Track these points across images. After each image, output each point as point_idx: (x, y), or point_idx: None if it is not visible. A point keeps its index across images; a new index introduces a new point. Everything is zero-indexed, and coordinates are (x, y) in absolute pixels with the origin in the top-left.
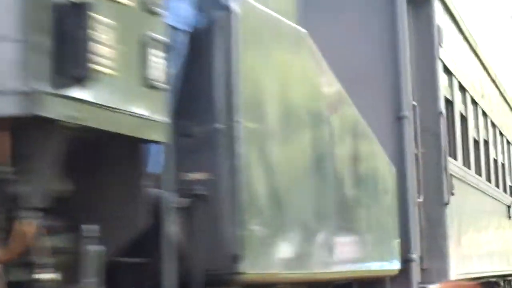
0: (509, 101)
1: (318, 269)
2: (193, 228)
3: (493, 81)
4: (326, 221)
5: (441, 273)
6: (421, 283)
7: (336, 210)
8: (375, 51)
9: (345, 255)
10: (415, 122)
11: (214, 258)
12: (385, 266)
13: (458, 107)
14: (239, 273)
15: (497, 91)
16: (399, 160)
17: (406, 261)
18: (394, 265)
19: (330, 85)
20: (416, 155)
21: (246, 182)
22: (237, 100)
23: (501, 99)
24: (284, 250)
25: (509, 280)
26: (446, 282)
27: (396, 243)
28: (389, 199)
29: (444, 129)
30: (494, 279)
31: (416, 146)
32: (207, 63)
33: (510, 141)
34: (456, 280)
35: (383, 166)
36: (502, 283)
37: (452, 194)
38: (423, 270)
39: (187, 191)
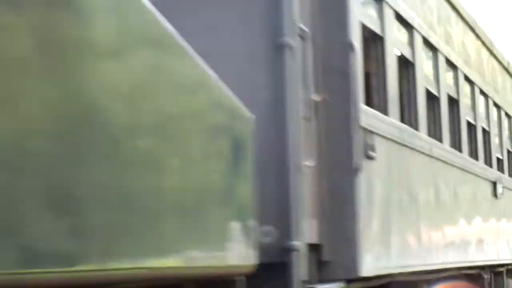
0: (498, 56)
1: (77, 266)
2: None
3: (472, 29)
4: (95, 194)
5: (349, 267)
6: (308, 282)
7: (121, 178)
8: None
9: (144, 245)
10: (307, 55)
11: None
12: (226, 260)
13: (393, 45)
14: None
15: (479, 42)
16: (277, 106)
17: (284, 251)
18: (246, 259)
19: None
20: (313, 102)
21: None
22: None
23: (485, 52)
24: None
25: (500, 272)
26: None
27: (250, 226)
28: (238, 162)
29: (356, 68)
30: (471, 271)
31: (312, 89)
32: None
33: (499, 104)
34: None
35: (225, 110)
36: (486, 275)
37: (371, 157)
38: (323, 263)
39: None
